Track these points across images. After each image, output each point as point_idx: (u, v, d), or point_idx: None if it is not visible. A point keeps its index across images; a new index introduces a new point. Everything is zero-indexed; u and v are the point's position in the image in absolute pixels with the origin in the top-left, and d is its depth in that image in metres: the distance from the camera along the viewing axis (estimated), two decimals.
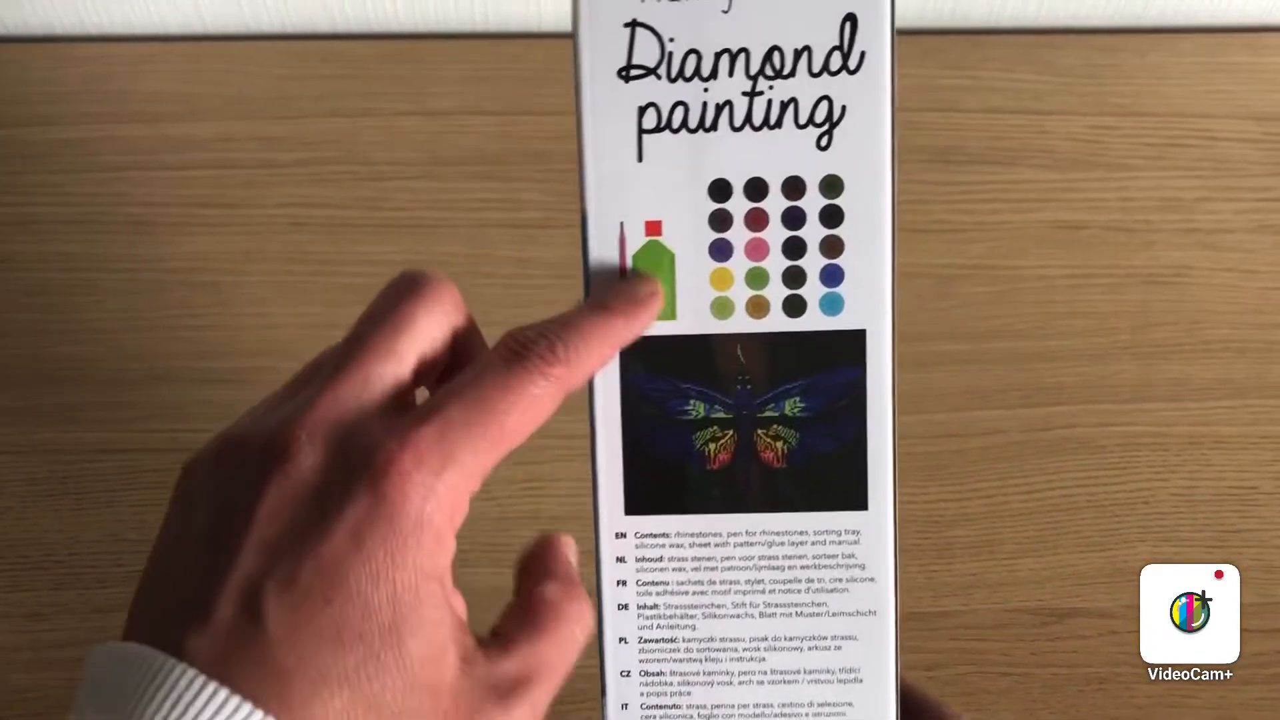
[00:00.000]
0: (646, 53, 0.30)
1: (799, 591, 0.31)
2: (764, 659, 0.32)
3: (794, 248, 0.31)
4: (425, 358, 0.28)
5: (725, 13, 0.30)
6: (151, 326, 0.55)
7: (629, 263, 0.31)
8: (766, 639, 0.31)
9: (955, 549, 0.53)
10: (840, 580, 0.31)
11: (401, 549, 0.25)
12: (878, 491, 0.31)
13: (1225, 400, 0.54)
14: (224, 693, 0.24)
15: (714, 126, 0.30)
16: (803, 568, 0.31)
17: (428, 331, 0.28)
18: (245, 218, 0.56)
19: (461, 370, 0.28)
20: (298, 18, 0.60)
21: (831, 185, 0.30)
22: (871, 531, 0.31)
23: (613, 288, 0.30)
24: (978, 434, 0.54)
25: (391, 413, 0.27)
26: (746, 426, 0.31)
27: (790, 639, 0.31)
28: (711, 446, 0.31)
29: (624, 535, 0.32)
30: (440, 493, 0.25)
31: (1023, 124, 0.57)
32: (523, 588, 0.29)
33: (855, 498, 0.31)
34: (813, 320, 0.31)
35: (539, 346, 0.27)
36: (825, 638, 0.31)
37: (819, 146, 0.30)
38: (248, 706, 0.24)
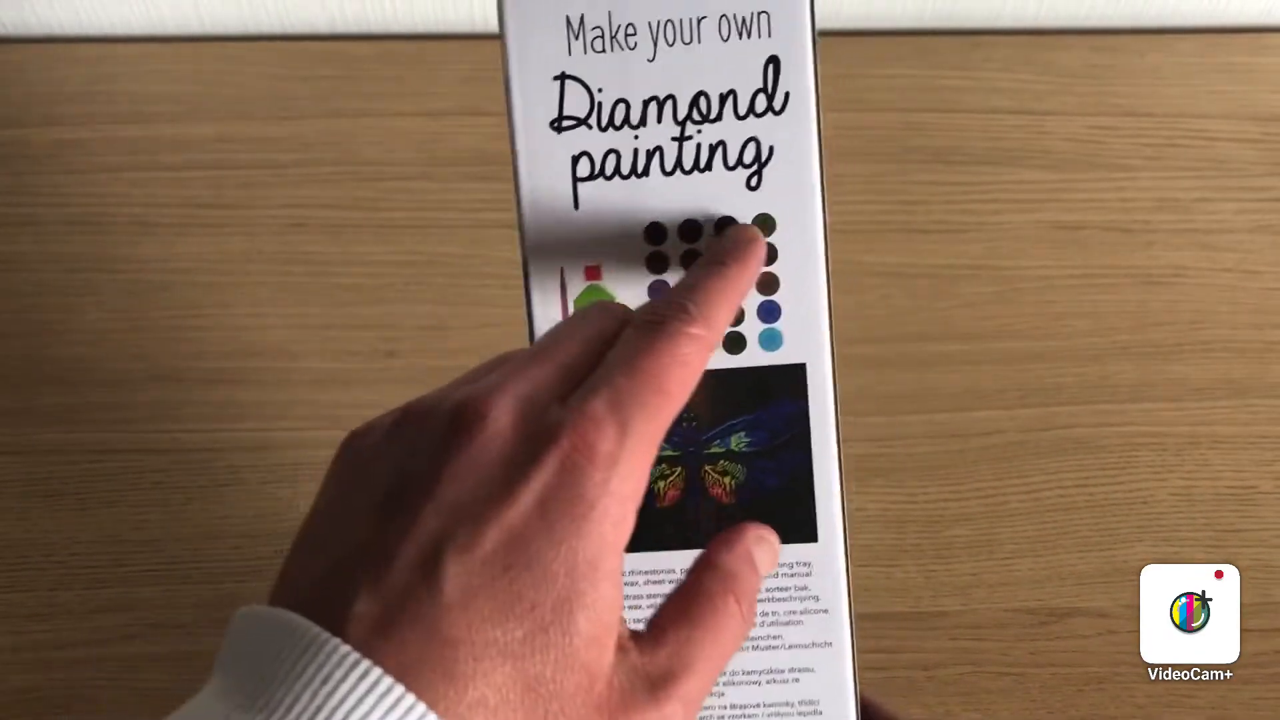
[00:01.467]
0: (576, 104, 0.31)
1: (754, 625, 0.31)
2: (723, 694, 0.32)
3: None
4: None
5: (650, 61, 0.31)
6: (152, 327, 0.55)
7: (570, 308, 0.31)
8: (725, 673, 0.32)
9: (954, 549, 0.53)
10: (794, 613, 0.32)
11: (586, 519, 0.25)
12: (827, 523, 0.32)
13: (1224, 400, 0.54)
14: (376, 672, 0.23)
15: (646, 172, 0.31)
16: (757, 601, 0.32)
17: (610, 336, 0.28)
18: (244, 218, 0.56)
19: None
20: (296, 18, 0.60)
21: (763, 223, 0.31)
22: (823, 563, 0.32)
23: (719, 243, 0.30)
24: (977, 434, 0.54)
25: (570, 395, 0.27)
26: (694, 463, 0.32)
27: (748, 673, 0.32)
28: (661, 484, 0.32)
29: None
30: (622, 463, 0.25)
31: (1022, 124, 0.57)
32: (687, 576, 0.28)
33: (805, 530, 0.32)
34: (753, 356, 0.31)
35: (672, 311, 0.27)
36: (782, 670, 0.32)
37: (749, 187, 0.31)
38: (399, 689, 0.23)
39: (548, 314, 0.31)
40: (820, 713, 0.32)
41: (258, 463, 0.54)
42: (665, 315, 0.27)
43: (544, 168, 0.31)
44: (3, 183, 0.57)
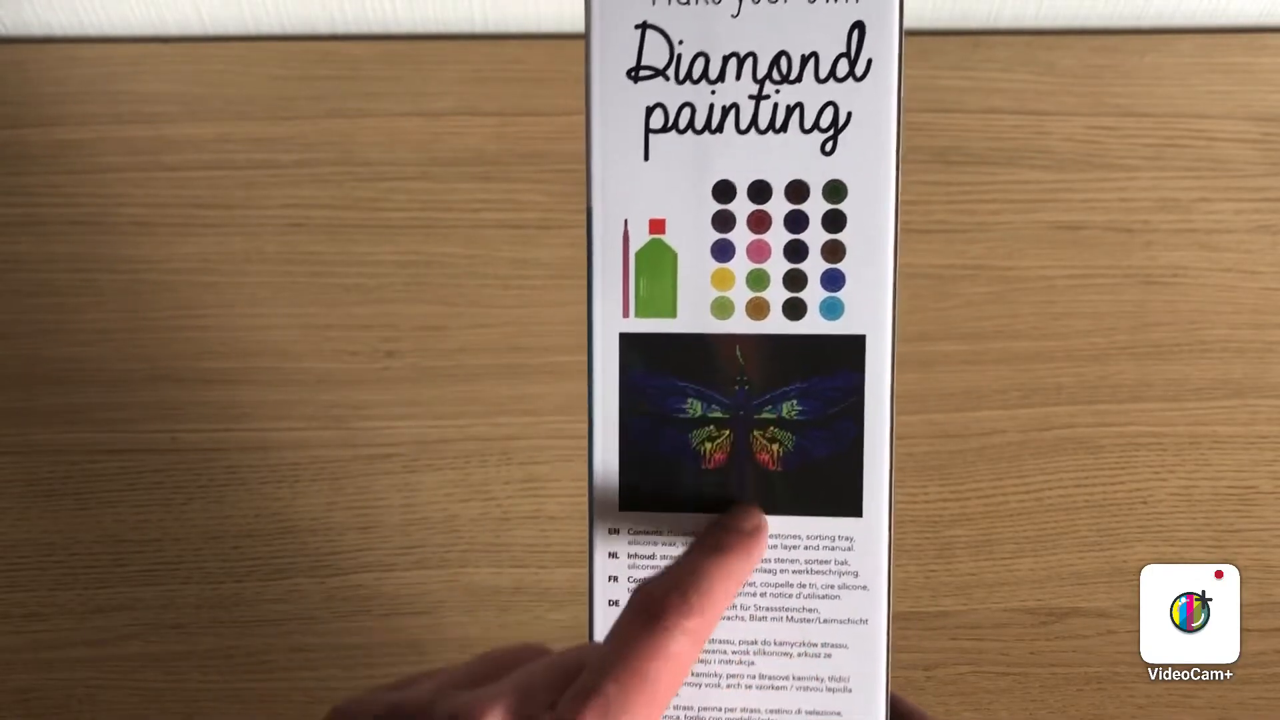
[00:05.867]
0: (656, 54, 0.30)
1: (790, 596, 0.31)
2: (753, 663, 0.31)
3: (795, 251, 0.31)
4: None
5: (734, 17, 0.30)
6: (152, 327, 0.55)
7: (632, 260, 0.31)
8: (756, 643, 0.31)
9: (954, 549, 0.53)
10: (832, 587, 0.31)
11: None
12: (873, 499, 0.31)
13: (1223, 400, 0.54)
14: None
15: (720, 128, 0.30)
16: (795, 572, 0.31)
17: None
18: (244, 218, 0.56)
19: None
20: (297, 19, 0.60)
21: (835, 190, 0.30)
22: (865, 539, 0.31)
23: (720, 527, 0.30)
24: (977, 434, 0.54)
25: (559, 690, 0.27)
26: (743, 427, 0.31)
27: (780, 644, 0.31)
28: (707, 446, 0.31)
29: (617, 531, 0.32)
30: None
31: (1022, 124, 0.57)
32: None
33: (850, 504, 0.31)
34: (812, 324, 0.31)
35: (671, 601, 0.27)
36: (815, 644, 0.31)
37: (824, 151, 0.30)
38: None
39: (608, 265, 0.31)
40: (850, 690, 0.31)
41: (258, 463, 0.54)
42: (664, 608, 0.27)
43: (617, 116, 0.31)
44: (3, 183, 0.57)
